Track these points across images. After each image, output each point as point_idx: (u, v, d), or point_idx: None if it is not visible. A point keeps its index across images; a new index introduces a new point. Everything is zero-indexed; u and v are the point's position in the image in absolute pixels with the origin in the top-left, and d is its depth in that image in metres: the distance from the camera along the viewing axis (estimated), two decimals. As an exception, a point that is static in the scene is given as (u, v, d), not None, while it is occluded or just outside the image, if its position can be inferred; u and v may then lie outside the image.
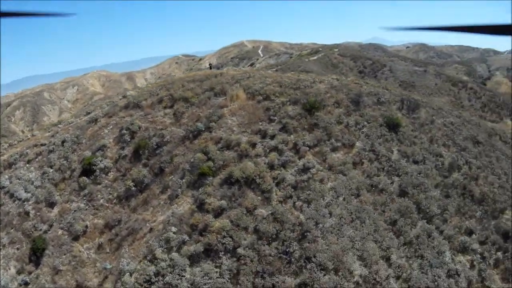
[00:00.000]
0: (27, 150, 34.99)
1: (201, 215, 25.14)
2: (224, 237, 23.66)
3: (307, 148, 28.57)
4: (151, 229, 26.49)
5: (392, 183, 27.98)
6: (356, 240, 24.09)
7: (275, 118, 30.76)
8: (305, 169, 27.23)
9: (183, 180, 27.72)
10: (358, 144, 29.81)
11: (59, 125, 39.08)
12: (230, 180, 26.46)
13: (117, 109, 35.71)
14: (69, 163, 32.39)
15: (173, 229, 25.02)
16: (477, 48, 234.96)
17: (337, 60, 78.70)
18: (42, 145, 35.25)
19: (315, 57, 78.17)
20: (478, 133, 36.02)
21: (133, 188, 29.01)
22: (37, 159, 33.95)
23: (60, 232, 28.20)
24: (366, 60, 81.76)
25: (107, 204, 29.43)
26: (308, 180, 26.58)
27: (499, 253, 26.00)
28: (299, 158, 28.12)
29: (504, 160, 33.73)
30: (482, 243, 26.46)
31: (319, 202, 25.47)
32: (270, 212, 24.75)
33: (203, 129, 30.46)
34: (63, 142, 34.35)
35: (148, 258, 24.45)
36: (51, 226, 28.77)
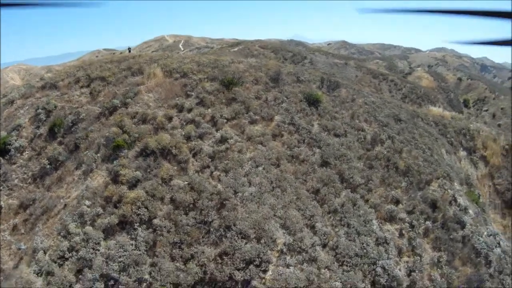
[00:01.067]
0: None
1: (115, 187, 22.67)
2: (139, 207, 21.31)
3: (225, 121, 26.58)
4: (65, 205, 23.94)
5: (313, 154, 26.42)
6: (278, 208, 22.19)
7: (192, 93, 28.56)
8: (222, 140, 25.23)
9: (98, 155, 25.16)
10: (277, 117, 28.05)
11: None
12: (146, 151, 24.06)
13: (34, 90, 32.56)
14: None
15: (87, 202, 22.47)
16: (399, 46, 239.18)
17: (258, 52, 76.71)
18: (-45, 126, 31.70)
19: (235, 49, 76.14)
20: (400, 112, 35.27)
21: (48, 166, 26.41)
22: (-51, 140, 30.39)
23: (-27, 214, 25.25)
24: (287, 52, 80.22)
25: (21, 184, 26.70)
26: (226, 151, 24.58)
27: (428, 222, 24.70)
28: (217, 130, 26.06)
29: (427, 137, 33.00)
30: (409, 212, 25.14)
31: (237, 171, 23.46)
32: (186, 182, 22.50)
33: (119, 105, 27.86)
34: None
35: (61, 234, 21.78)
36: (-37, 207, 25.64)
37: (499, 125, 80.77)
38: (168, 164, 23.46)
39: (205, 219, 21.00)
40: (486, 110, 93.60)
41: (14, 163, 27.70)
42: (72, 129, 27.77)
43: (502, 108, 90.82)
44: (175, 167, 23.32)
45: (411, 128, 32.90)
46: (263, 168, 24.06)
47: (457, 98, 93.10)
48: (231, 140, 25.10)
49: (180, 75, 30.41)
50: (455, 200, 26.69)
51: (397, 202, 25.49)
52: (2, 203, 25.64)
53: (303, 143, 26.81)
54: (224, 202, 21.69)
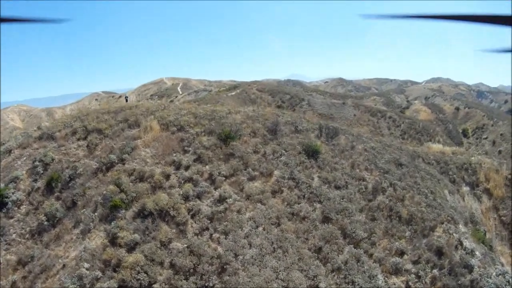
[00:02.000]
0: None
1: (113, 249, 22.40)
2: (139, 272, 21.01)
3: (223, 178, 26.31)
4: (64, 266, 23.47)
5: (314, 210, 26.05)
6: (280, 271, 21.84)
7: (190, 149, 28.38)
8: (221, 200, 24.89)
9: (96, 214, 24.91)
10: (276, 172, 27.86)
11: (-29, 157, 35.14)
12: (143, 212, 23.82)
13: (31, 140, 32.36)
14: None
15: (86, 265, 22.14)
16: (395, 80, 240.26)
17: (255, 95, 77.03)
18: (-49, 178, 31.34)
19: (233, 93, 76.25)
20: (401, 156, 35.33)
21: (46, 222, 25.91)
22: None
23: (-30, 269, 24.83)
24: (285, 95, 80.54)
25: (19, 239, 26.14)
26: (225, 211, 24.29)
27: (434, 271, 24.25)
28: (215, 189, 25.77)
29: (429, 180, 33.02)
30: (415, 262, 24.74)
31: (237, 233, 23.17)
32: (186, 245, 22.24)
33: (116, 161, 27.70)
34: None
35: (61, 297, 21.49)
36: (-40, 263, 25.15)
37: (499, 152, 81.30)
38: (166, 226, 23.25)
39: (206, 284, 20.70)
40: (486, 138, 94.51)
41: (12, 217, 27.27)
42: (70, 184, 27.53)
43: (501, 134, 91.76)
44: (174, 230, 23.11)
45: (412, 172, 32.83)
46: (263, 229, 23.84)
47: (456, 129, 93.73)
48: (230, 199, 24.83)
49: (177, 128, 30.32)
50: (461, 244, 26.48)
51: (402, 253, 25.14)
52: (1, 258, 25.06)
53: (303, 199, 26.58)
54: (225, 266, 21.40)
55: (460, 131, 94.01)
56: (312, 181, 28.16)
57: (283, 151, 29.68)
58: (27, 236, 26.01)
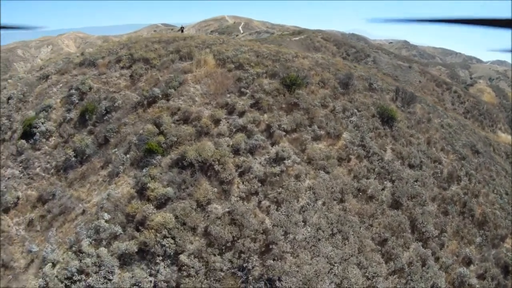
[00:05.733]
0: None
1: (140, 203, 17.58)
2: (165, 237, 16.13)
3: (283, 133, 20.42)
4: (83, 211, 19.38)
5: (383, 189, 20.26)
6: (335, 262, 16.37)
7: (247, 91, 22.58)
8: (278, 159, 19.17)
9: (128, 156, 20.12)
10: (345, 135, 21.86)
11: (9, 80, 31.08)
12: (182, 162, 18.56)
13: (71, 66, 27.78)
14: (11, 123, 25.41)
15: (106, 216, 17.66)
16: (460, 53, 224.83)
17: (320, 44, 69.69)
18: (-15, 100, 27.82)
19: (297, 38, 69.29)
20: (477, 142, 28.66)
21: (73, 158, 21.92)
22: (-22, 115, 26.51)
23: (-10, 201, 21.44)
24: (350, 48, 72.72)
25: (43, 174, 22.45)
26: (281, 174, 18.60)
27: None
28: (272, 144, 20.00)
29: (504, 177, 26.37)
30: (480, 277, 19.17)
31: (292, 204, 17.57)
32: (227, 210, 16.96)
33: (160, 96, 22.49)
34: (8, 98, 27.00)
35: (73, 248, 17.21)
36: (-18, 193, 21.87)
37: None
38: (207, 182, 17.89)
39: (244, 265, 15.56)
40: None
41: (39, 149, 23.62)
42: (105, 117, 22.97)
43: None
44: (216, 189, 17.67)
45: (488, 164, 26.31)
46: (323, 204, 18.17)
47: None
48: (288, 160, 19.12)
49: (235, 65, 24.60)
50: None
51: (469, 262, 19.65)
52: (20, 193, 21.86)
53: (373, 173, 20.68)
54: (270, 246, 16.06)
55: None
56: (384, 153, 22.19)
57: (355, 110, 23.54)
58: (51, 171, 22.28)
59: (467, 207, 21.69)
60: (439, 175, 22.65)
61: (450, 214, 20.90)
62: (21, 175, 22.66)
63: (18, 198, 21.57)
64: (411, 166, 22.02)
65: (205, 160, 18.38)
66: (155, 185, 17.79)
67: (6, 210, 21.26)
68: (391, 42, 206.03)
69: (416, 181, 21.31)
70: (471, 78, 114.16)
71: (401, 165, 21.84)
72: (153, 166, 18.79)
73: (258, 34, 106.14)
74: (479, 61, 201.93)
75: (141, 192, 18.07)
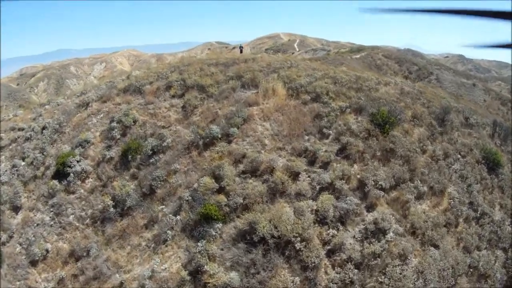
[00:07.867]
0: (2, 134, 24.25)
1: (193, 289, 12.71)
2: None
3: (382, 193, 15.05)
4: (121, 284, 15.31)
5: (495, 260, 15.09)
6: None
7: (330, 132, 17.31)
8: (376, 231, 13.82)
9: (178, 217, 15.36)
10: (450, 190, 16.52)
11: (46, 106, 27.18)
12: (251, 236, 13.52)
13: (114, 92, 23.39)
14: (44, 158, 21.63)
15: (148, 300, 12.85)
16: None
17: (381, 62, 64.10)
18: (20, 129, 24.49)
19: (357, 56, 63.81)
20: None
21: (112, 209, 17.79)
22: (10, 147, 23.56)
23: (18, 249, 18.62)
24: (412, 65, 66.73)
25: (77, 224, 18.62)
26: (381, 254, 13.32)
27: None
28: (368, 209, 14.67)
29: None
30: None
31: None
32: (315, 311, 11.87)
33: (220, 136, 17.59)
34: (43, 128, 23.22)
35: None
36: (11, 237, 19.22)
37: None
38: (285, 265, 12.85)
39: None
40: None
41: (73, 193, 19.59)
42: (151, 159, 18.54)
43: None
44: (297, 275, 12.58)
45: None
46: (434, 293, 12.75)
47: None
48: (389, 233, 13.81)
49: (311, 97, 19.41)
50: None
51: None
52: (50, 245, 18.41)
53: (484, 241, 15.37)
54: None
55: None
56: (493, 210, 16.74)
57: (458, 156, 18.10)
58: (87, 221, 18.69)
59: None
60: None
61: None
62: (52, 222, 19.05)
63: (47, 250, 18.19)
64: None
65: (282, 236, 13.27)
66: (214, 268, 12.93)
67: (34, 263, 18.05)
68: (447, 57, 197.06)
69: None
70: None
71: (510, 224, 16.34)
72: (211, 238, 13.91)
73: (314, 52, 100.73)
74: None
75: (195, 274, 13.26)
